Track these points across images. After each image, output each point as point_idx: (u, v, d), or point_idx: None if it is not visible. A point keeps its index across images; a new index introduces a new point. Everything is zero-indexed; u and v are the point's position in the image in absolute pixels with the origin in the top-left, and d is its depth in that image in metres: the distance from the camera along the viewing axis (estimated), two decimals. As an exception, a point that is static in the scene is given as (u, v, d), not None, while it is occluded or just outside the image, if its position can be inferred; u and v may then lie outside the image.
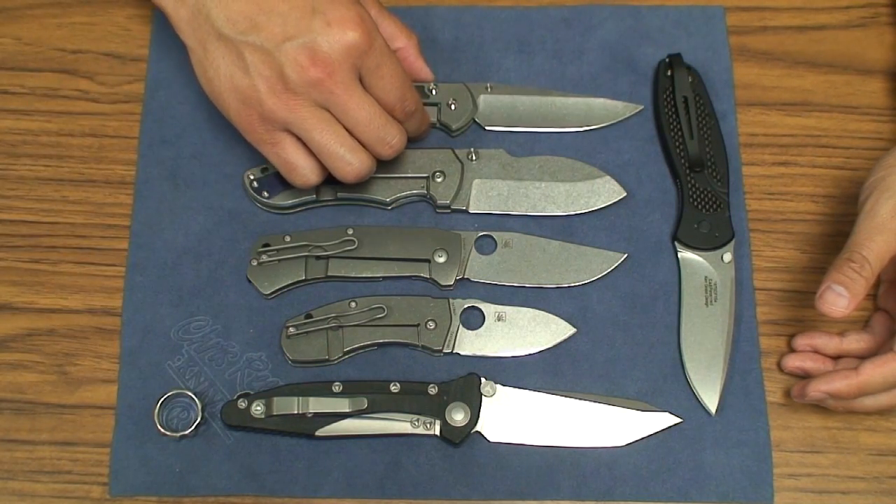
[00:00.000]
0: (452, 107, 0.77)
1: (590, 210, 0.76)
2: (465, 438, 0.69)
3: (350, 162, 0.68)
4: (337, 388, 0.69)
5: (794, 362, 0.71)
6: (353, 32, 0.65)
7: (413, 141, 0.75)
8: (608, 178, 0.76)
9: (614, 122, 0.78)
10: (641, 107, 0.78)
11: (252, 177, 0.75)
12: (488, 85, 0.78)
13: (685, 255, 0.74)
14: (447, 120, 0.77)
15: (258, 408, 0.69)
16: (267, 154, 0.69)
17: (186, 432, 0.69)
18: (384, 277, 0.74)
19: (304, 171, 0.69)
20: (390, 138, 0.68)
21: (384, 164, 0.75)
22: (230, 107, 0.68)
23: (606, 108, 0.78)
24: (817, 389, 0.66)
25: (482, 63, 0.80)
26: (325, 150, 0.67)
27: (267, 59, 0.65)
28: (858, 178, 0.76)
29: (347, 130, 0.67)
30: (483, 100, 0.77)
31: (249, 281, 0.73)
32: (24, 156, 0.77)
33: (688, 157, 0.75)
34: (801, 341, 0.71)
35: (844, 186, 0.77)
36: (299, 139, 0.68)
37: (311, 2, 0.65)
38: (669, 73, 0.77)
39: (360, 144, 0.68)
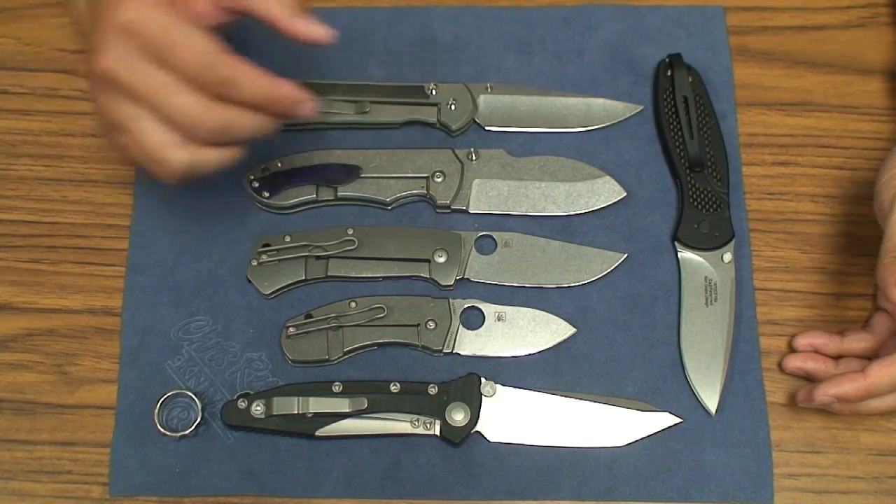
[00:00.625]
0: (452, 107, 0.77)
1: (590, 210, 0.76)
2: (465, 438, 0.69)
3: (158, 160, 0.60)
4: (337, 388, 0.69)
5: (795, 363, 0.71)
6: (126, 13, 0.58)
7: (251, 137, 0.63)
8: (608, 178, 0.76)
9: (614, 122, 0.78)
10: (641, 107, 0.78)
11: (252, 177, 0.75)
12: (488, 85, 0.78)
13: (685, 255, 0.74)
14: (447, 120, 0.77)
15: (258, 408, 0.69)
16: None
17: (186, 432, 0.69)
18: (384, 277, 0.74)
19: (152, 166, 0.61)
20: (192, 119, 0.59)
21: (385, 164, 0.75)
22: None
23: (606, 109, 0.78)
24: (825, 394, 0.66)
25: (482, 63, 0.80)
26: (137, 151, 0.61)
27: (85, 61, 0.61)
28: (858, 178, 0.76)
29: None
30: (483, 100, 0.77)
31: (249, 281, 0.73)
32: (25, 156, 0.77)
33: (688, 157, 0.75)
34: (802, 341, 0.71)
35: (844, 186, 0.77)
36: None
37: None
38: (669, 73, 0.77)
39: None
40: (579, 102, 0.78)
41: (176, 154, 0.60)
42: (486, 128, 0.77)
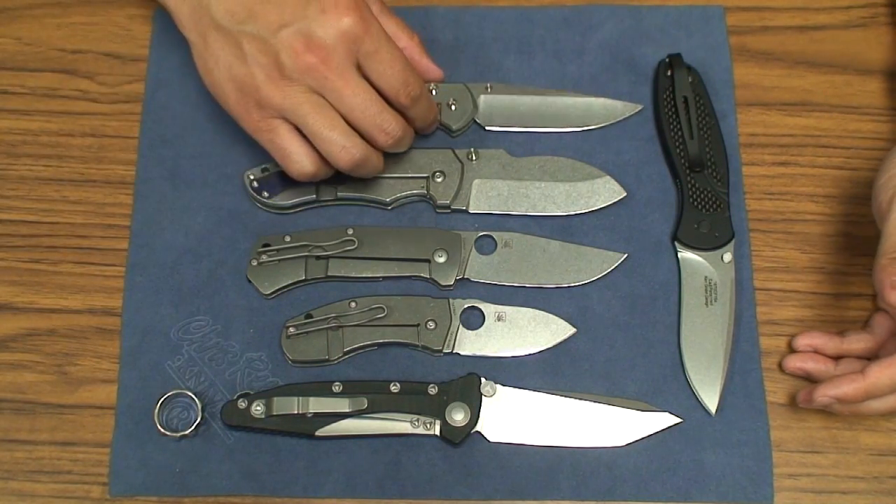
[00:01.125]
0: (453, 107, 0.77)
1: (590, 210, 0.76)
2: (465, 438, 0.69)
3: (343, 146, 0.67)
4: (337, 388, 0.69)
5: (794, 363, 0.71)
6: (347, 18, 0.65)
7: (422, 132, 0.75)
8: (608, 178, 0.76)
9: (614, 121, 0.78)
10: (641, 106, 0.78)
11: (252, 177, 0.75)
12: (488, 85, 0.78)
13: (685, 255, 0.74)
14: (447, 120, 0.77)
15: (258, 408, 0.69)
16: (262, 142, 0.69)
17: (186, 432, 0.69)
18: (384, 277, 0.74)
19: (298, 157, 0.69)
20: (386, 125, 0.68)
21: (386, 163, 0.75)
22: (229, 96, 0.69)
23: (606, 108, 0.78)
24: (825, 395, 0.66)
25: (482, 63, 0.80)
26: (319, 135, 0.67)
27: (263, 48, 0.66)
28: (858, 177, 0.76)
29: (344, 118, 0.67)
30: (483, 100, 0.77)
31: (249, 281, 0.73)
32: (24, 156, 0.77)
33: (688, 157, 0.75)
34: (802, 341, 0.71)
35: (844, 186, 0.77)
36: (296, 127, 0.68)
37: None
38: (669, 73, 0.77)
39: (357, 132, 0.68)
40: (579, 102, 0.78)
41: (358, 143, 0.68)
42: (487, 128, 0.77)
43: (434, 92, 0.77)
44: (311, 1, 0.65)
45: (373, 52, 0.66)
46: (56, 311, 0.73)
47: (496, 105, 0.78)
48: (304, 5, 0.65)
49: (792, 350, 0.72)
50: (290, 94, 0.66)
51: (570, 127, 0.77)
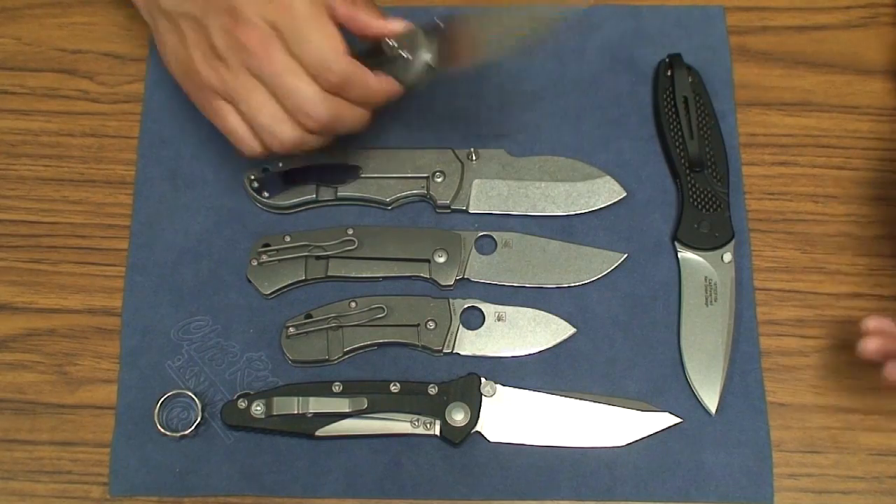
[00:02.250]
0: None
1: (590, 210, 0.76)
2: (465, 438, 0.69)
3: (271, 131, 0.65)
4: (337, 388, 0.69)
5: (873, 345, 0.65)
6: None
7: (353, 131, 0.68)
8: (608, 178, 0.76)
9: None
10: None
11: (252, 177, 0.75)
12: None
13: (685, 255, 0.74)
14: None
15: (258, 408, 0.69)
16: (214, 124, 0.68)
17: (186, 432, 0.69)
18: (384, 277, 0.74)
19: (244, 139, 0.67)
20: (311, 109, 0.64)
21: (385, 164, 0.75)
22: (180, 81, 0.68)
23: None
24: None
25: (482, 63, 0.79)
26: (250, 119, 0.65)
27: (197, 27, 0.65)
28: (858, 177, 0.77)
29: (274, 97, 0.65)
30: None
31: (249, 281, 0.73)
32: (24, 156, 0.77)
33: (688, 157, 0.75)
34: (873, 324, 0.65)
35: (844, 186, 0.77)
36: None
37: None
38: (669, 73, 0.77)
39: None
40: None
41: (287, 128, 0.65)
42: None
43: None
44: None
45: (293, 29, 0.63)
46: (56, 311, 0.73)
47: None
48: None
49: (866, 333, 0.65)
50: (224, 74, 0.64)
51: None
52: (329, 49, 0.63)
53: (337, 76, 0.64)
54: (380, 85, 0.66)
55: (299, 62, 0.63)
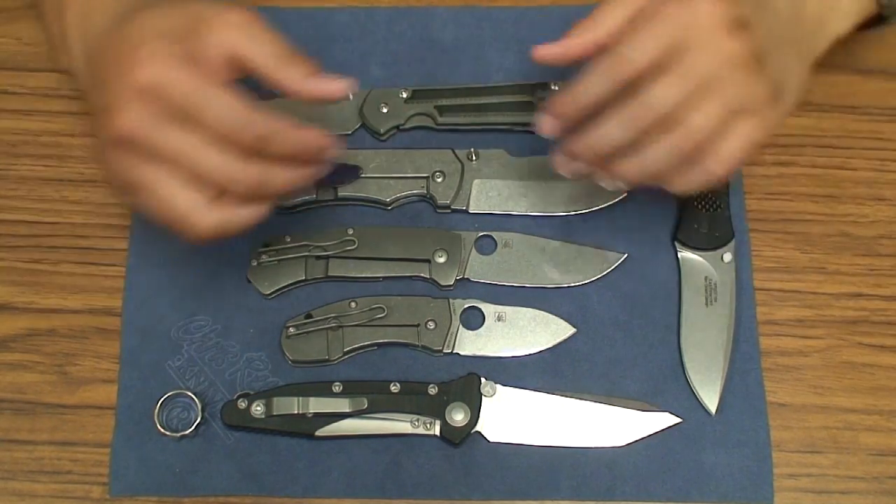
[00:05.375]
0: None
1: (590, 210, 0.76)
2: (465, 438, 0.69)
3: (190, 225, 0.59)
4: (337, 388, 0.69)
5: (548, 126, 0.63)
6: (144, 76, 0.56)
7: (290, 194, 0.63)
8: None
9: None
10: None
11: (252, 177, 0.74)
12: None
13: (685, 255, 0.74)
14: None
15: (258, 408, 0.69)
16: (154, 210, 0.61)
17: (186, 432, 0.69)
18: (384, 277, 0.74)
19: (193, 213, 0.59)
20: (230, 173, 0.58)
21: (385, 164, 0.75)
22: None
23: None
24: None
25: (482, 63, 0.80)
26: (163, 217, 0.60)
27: (95, 124, 0.60)
28: (858, 177, 0.76)
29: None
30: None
31: (249, 281, 0.73)
32: (25, 156, 0.77)
33: (688, 157, 0.75)
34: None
35: (844, 186, 0.77)
36: None
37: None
38: (669, 73, 0.77)
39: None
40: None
41: (205, 217, 0.58)
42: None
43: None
44: (120, 60, 0.57)
45: (185, 102, 0.56)
46: (56, 311, 0.73)
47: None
48: (117, 71, 0.57)
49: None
50: (119, 172, 0.59)
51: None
52: (233, 107, 0.57)
53: (256, 130, 0.57)
54: (304, 136, 0.59)
55: (201, 134, 0.57)
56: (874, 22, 0.71)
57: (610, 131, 0.60)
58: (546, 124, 0.63)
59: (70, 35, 0.66)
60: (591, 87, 0.60)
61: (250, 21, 0.59)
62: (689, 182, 0.62)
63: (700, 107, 0.59)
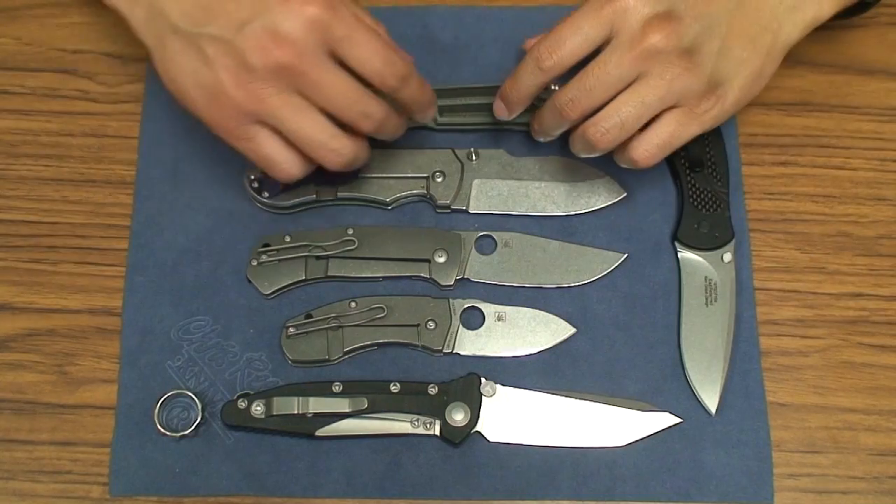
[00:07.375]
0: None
1: (590, 210, 0.76)
2: (465, 438, 0.69)
3: (333, 149, 0.64)
4: (337, 388, 0.69)
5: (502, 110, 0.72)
6: (312, 6, 0.60)
7: (421, 119, 0.71)
8: (608, 178, 0.76)
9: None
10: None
11: (252, 177, 0.75)
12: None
13: (685, 255, 0.74)
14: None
15: (258, 408, 0.69)
16: (243, 151, 0.65)
17: (186, 432, 0.69)
18: (384, 277, 0.74)
19: (284, 164, 0.65)
20: (370, 110, 0.63)
21: (385, 164, 0.75)
22: (198, 105, 0.64)
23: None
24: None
25: (482, 63, 0.80)
26: (304, 140, 0.63)
27: (227, 49, 0.61)
28: (858, 177, 0.77)
29: (324, 110, 0.63)
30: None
31: (249, 281, 0.73)
32: (24, 156, 0.77)
33: (688, 156, 0.75)
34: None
35: (844, 186, 0.77)
36: (276, 130, 0.64)
37: None
38: (669, 73, 0.77)
39: (343, 127, 0.64)
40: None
41: (346, 144, 0.64)
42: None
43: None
44: None
45: (346, 36, 0.61)
46: (56, 311, 0.73)
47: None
48: None
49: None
50: (265, 97, 0.62)
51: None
52: (389, 45, 0.64)
53: (403, 69, 0.64)
54: (428, 84, 0.68)
55: (352, 67, 0.62)
56: (857, 7, 0.72)
57: (541, 114, 0.70)
58: (497, 109, 0.72)
59: None
60: (523, 82, 0.67)
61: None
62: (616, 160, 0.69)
63: (612, 100, 0.64)
